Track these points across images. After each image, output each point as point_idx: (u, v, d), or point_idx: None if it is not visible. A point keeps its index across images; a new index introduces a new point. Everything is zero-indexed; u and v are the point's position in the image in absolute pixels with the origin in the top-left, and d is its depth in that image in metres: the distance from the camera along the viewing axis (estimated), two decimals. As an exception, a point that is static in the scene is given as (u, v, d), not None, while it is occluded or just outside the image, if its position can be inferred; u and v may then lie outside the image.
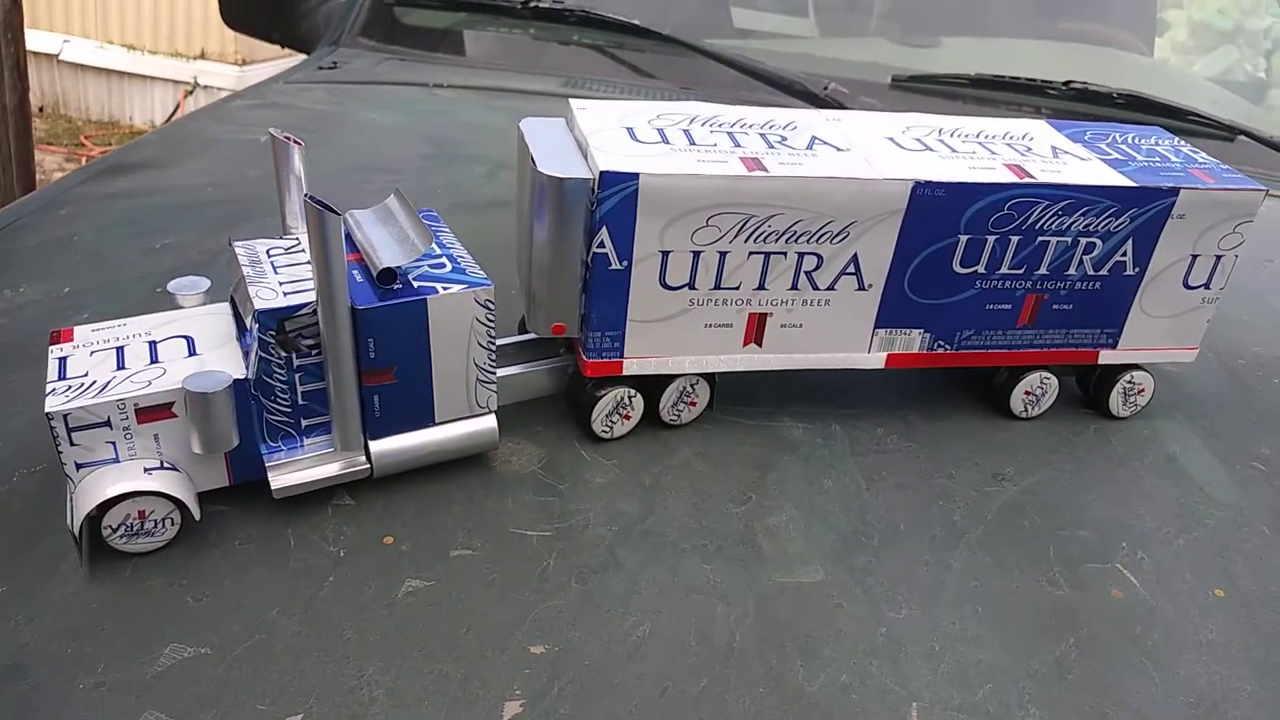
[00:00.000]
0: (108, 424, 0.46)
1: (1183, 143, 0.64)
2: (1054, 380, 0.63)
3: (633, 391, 0.57)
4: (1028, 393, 0.63)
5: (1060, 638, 0.48)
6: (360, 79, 1.31)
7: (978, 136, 0.60)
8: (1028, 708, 0.44)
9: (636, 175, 0.50)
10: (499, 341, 0.54)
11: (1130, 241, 0.58)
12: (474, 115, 1.17)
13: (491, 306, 0.50)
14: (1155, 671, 0.46)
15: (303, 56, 1.60)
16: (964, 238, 0.55)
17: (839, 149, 0.56)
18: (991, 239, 0.56)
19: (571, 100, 0.58)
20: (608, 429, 0.57)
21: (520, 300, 0.61)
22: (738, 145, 0.55)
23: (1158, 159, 0.60)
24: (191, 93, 4.66)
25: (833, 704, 0.43)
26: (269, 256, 0.51)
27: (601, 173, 0.50)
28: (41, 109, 4.91)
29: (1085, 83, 1.44)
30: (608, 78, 1.39)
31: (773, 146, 0.55)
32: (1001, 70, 1.47)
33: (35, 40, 4.06)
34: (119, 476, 0.46)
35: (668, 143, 0.54)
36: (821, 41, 1.64)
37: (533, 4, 1.40)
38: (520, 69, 1.41)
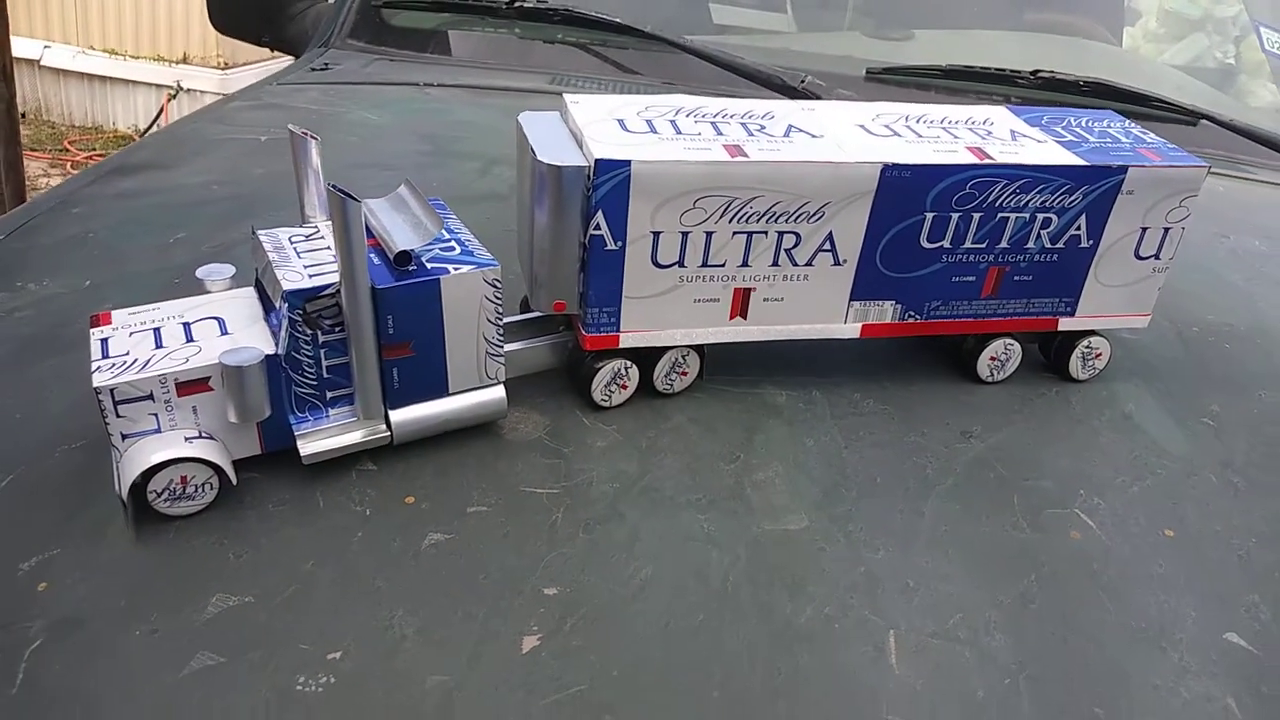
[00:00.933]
0: (150, 397, 0.50)
1: (1133, 125, 0.69)
2: (1017, 346, 0.68)
3: (629, 363, 0.61)
4: (993, 358, 0.67)
5: (1023, 574, 0.53)
6: (352, 79, 1.35)
7: (942, 122, 0.65)
8: (994, 633, 0.49)
9: (628, 162, 0.54)
10: (504, 320, 0.58)
11: (1084, 216, 0.63)
12: (465, 113, 1.21)
13: (499, 285, 0.55)
14: (1109, 601, 0.51)
15: (289, 59, 1.63)
16: (930, 215, 0.60)
17: (814, 135, 0.61)
18: (955, 216, 0.61)
19: (565, 95, 0.62)
20: (606, 398, 0.61)
21: (522, 282, 0.65)
22: (720, 134, 0.59)
23: (1109, 140, 0.65)
24: (175, 96, 4.67)
25: (817, 634, 0.48)
26: (291, 243, 0.55)
27: (596, 161, 0.54)
28: (24, 114, 4.92)
29: (1053, 72, 1.49)
30: (593, 74, 1.43)
31: (752, 134, 0.60)
32: (972, 61, 1.52)
33: (16, 46, 4.06)
34: (162, 445, 0.50)
35: (656, 132, 0.58)
36: (798, 36, 1.69)
37: (517, 3, 1.44)
38: (508, 67, 1.46)
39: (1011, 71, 1.51)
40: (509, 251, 0.71)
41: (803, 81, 1.38)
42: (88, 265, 0.78)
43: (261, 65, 4.52)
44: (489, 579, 0.49)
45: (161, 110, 4.70)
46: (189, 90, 4.69)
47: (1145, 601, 0.52)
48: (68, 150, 4.62)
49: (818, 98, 1.36)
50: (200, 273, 0.57)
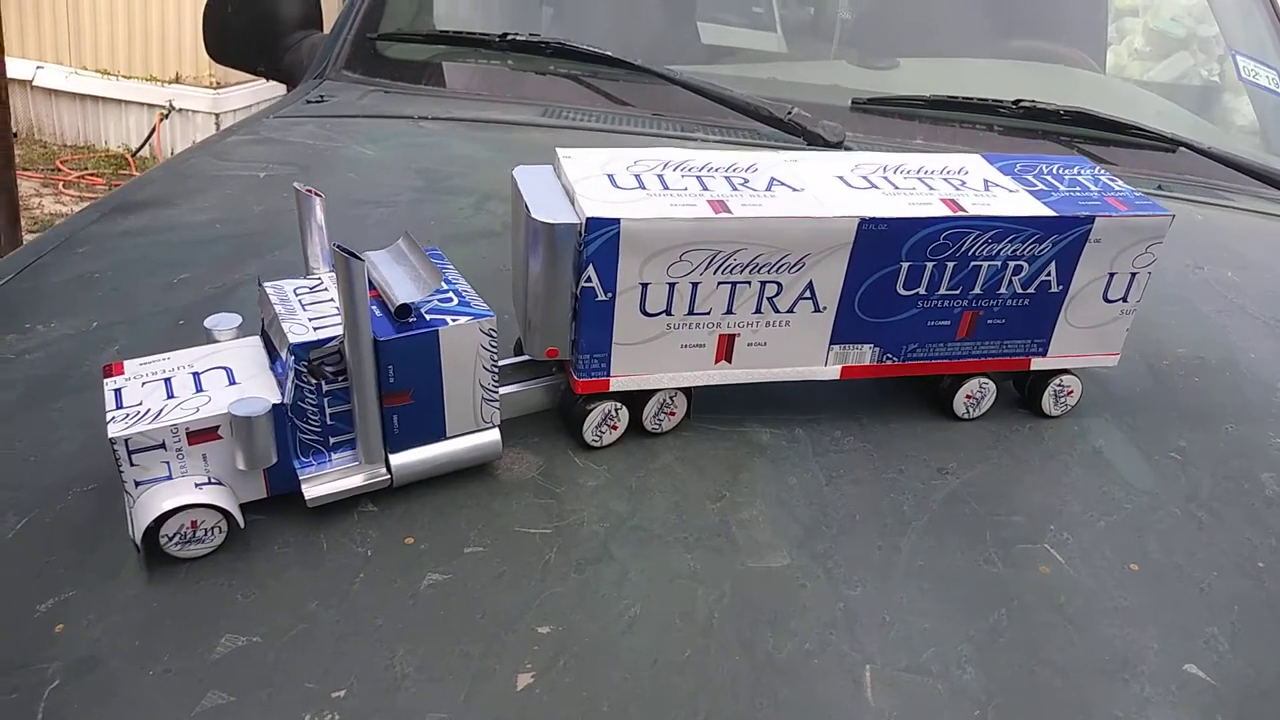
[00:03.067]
0: (163, 446, 0.53)
1: (1102, 171, 0.72)
2: (991, 385, 0.70)
3: (619, 405, 0.64)
4: (968, 396, 0.70)
5: (994, 607, 0.55)
6: (347, 113, 1.38)
7: (918, 172, 0.68)
8: (965, 666, 0.51)
9: (618, 220, 0.57)
10: (499, 364, 0.61)
11: (1054, 263, 0.66)
12: (459, 147, 1.24)
13: (494, 335, 0.58)
14: (1075, 634, 0.54)
15: (283, 87, 1.66)
16: (905, 264, 0.63)
17: (794, 189, 0.63)
18: (930, 265, 0.64)
19: (558, 149, 0.65)
20: (597, 438, 0.64)
21: (515, 325, 0.68)
22: (705, 189, 0.62)
23: (1078, 189, 0.68)
24: (167, 116, 4.70)
25: (798, 668, 0.50)
26: (296, 295, 0.58)
27: (588, 219, 0.57)
28: (16, 134, 4.94)
29: (1034, 101, 1.53)
30: (584, 106, 1.47)
31: (736, 189, 0.63)
32: (956, 90, 1.56)
33: (10, 68, 4.09)
34: (173, 492, 0.53)
35: (644, 188, 0.61)
36: (785, 66, 1.72)
37: (510, 36, 1.47)
38: (501, 99, 1.49)
39: (994, 101, 1.54)
40: (503, 291, 0.74)
41: (789, 113, 1.42)
42: (94, 307, 0.80)
43: (254, 86, 4.55)
44: (485, 618, 0.52)
45: (154, 130, 4.73)
46: (181, 110, 4.72)
47: (1109, 634, 0.54)
48: (60, 170, 4.64)
49: (804, 129, 1.40)
50: (208, 323, 0.60)
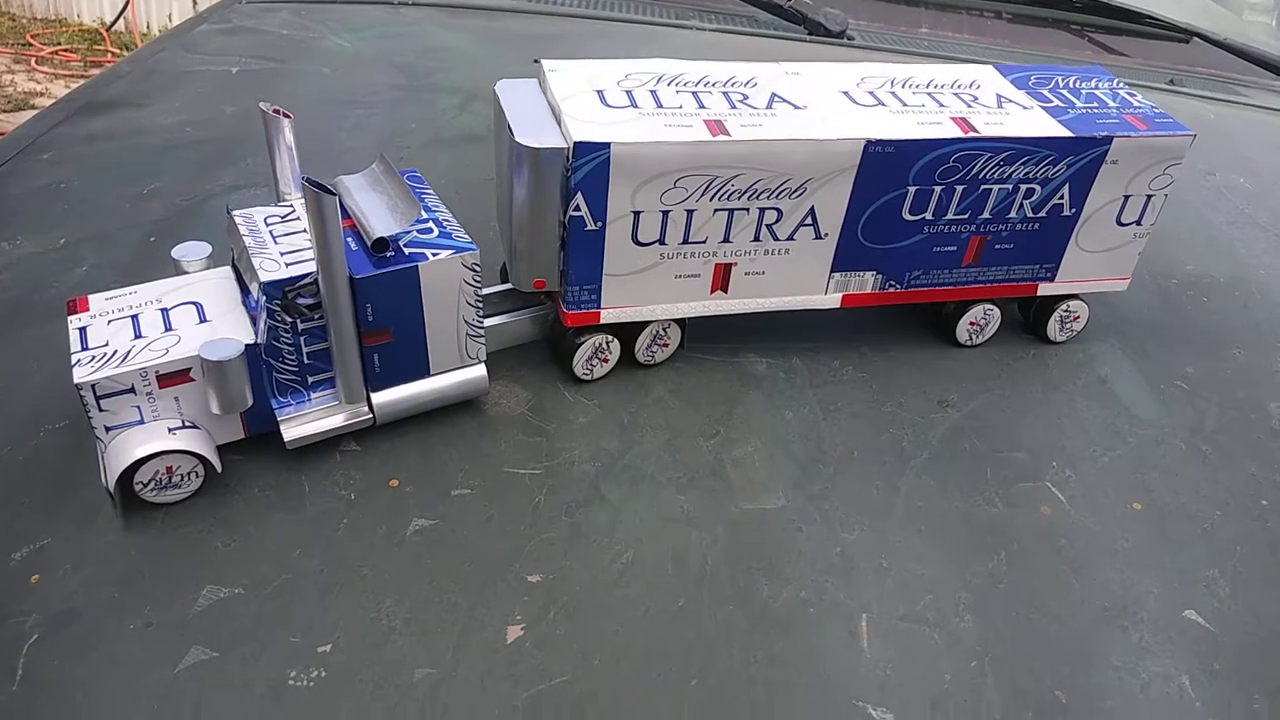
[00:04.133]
0: (132, 390, 0.50)
1: (1121, 84, 0.68)
2: (996, 311, 0.68)
3: (610, 337, 0.61)
4: (972, 323, 0.68)
5: (993, 552, 0.54)
6: (323, -2, 1.31)
7: (928, 87, 0.64)
8: (962, 614, 0.50)
9: (608, 145, 0.53)
10: (484, 291, 0.58)
11: (1067, 186, 0.62)
12: (439, 37, 1.18)
13: (478, 268, 0.55)
14: (1075, 579, 0.53)
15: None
16: (912, 189, 0.60)
17: (796, 106, 0.60)
18: (938, 189, 0.60)
19: (543, 62, 0.61)
20: (588, 372, 0.62)
21: (500, 243, 0.65)
22: (702, 106, 0.58)
23: (1095, 104, 0.64)
24: (140, -12, 4.50)
25: (793, 617, 0.49)
26: (267, 226, 0.55)
27: (575, 143, 0.53)
28: (-18, 7, 4.74)
29: (1045, -16, 1.45)
30: (572, -11, 1.39)
31: (735, 106, 0.59)
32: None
33: (-30, -64, 3.89)
34: (146, 437, 0.50)
35: (636, 106, 0.57)
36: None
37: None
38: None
39: (1004, -17, 1.47)
40: (488, 203, 0.71)
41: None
42: (61, 221, 0.77)
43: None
44: (473, 566, 0.51)
45: (128, 3, 4.53)
46: (155, -19, 4.52)
47: (1109, 579, 0.53)
48: (31, 45, 4.46)
49: (805, 17, 1.33)
50: (176, 252, 0.57)
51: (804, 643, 0.48)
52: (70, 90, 1.05)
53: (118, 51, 4.49)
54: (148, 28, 4.73)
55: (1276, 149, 1.17)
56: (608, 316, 0.60)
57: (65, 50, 4.47)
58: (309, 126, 0.93)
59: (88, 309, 0.54)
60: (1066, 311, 0.69)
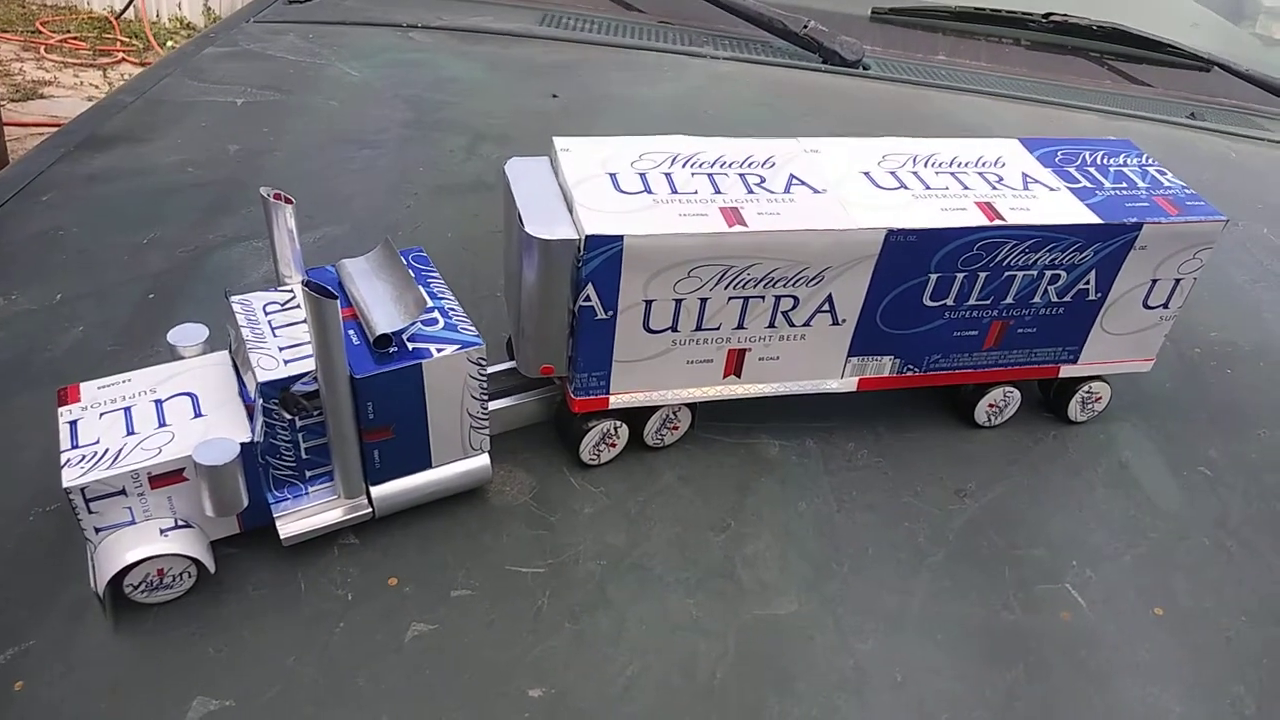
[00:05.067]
0: (123, 492, 0.48)
1: (1150, 160, 0.65)
2: (1016, 394, 0.66)
3: (618, 422, 0.60)
4: (991, 405, 0.66)
5: (1011, 664, 0.52)
6: (331, 18, 1.29)
7: (951, 165, 0.62)
8: (978, 737, 0.49)
9: (621, 238, 0.51)
10: (489, 370, 0.56)
11: (1094, 271, 0.60)
12: (450, 66, 1.15)
13: (484, 363, 0.53)
14: (1096, 695, 0.51)
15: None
16: (934, 276, 0.58)
17: (815, 190, 0.57)
18: (960, 275, 0.58)
19: (555, 140, 0.59)
20: (595, 457, 0.60)
21: (506, 315, 0.63)
22: (718, 191, 0.56)
23: (1124, 185, 0.62)
24: (149, -22, 4.47)
25: (803, 739, 0.48)
26: (266, 314, 0.53)
27: (587, 236, 0.51)
28: (-9, -7, 4.71)
29: (1065, 15, 1.43)
30: (586, 12, 1.37)
31: (751, 191, 0.56)
32: (983, 1, 1.45)
33: (-21, -76, 3.86)
34: (137, 540, 0.49)
35: (650, 192, 0.55)
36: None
37: (506, -69, 1.36)
38: (496, 1, 1.39)
39: (1023, 14, 1.44)
40: (494, 259, 0.68)
41: (805, 27, 1.32)
42: (58, 274, 0.75)
43: (239, -54, 4.31)
44: (473, 678, 0.49)
45: (136, -9, 4.50)
46: (165, -30, 4.49)
47: (1131, 694, 0.52)
48: (40, 32, 4.44)
49: (819, 44, 1.31)
50: (172, 337, 0.55)
51: (815, 769, 0.47)
52: (70, 120, 1.03)
53: (127, 40, 4.46)
54: (157, 16, 4.70)
55: (1300, 193, 1.14)
56: (617, 402, 0.59)
57: (74, 38, 4.44)
58: (316, 170, 0.91)
59: (79, 399, 0.52)
60: (1089, 392, 0.67)
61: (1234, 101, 1.45)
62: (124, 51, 4.35)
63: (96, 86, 4.05)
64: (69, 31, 4.51)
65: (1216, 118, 1.36)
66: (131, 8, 4.59)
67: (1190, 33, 1.57)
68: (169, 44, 4.47)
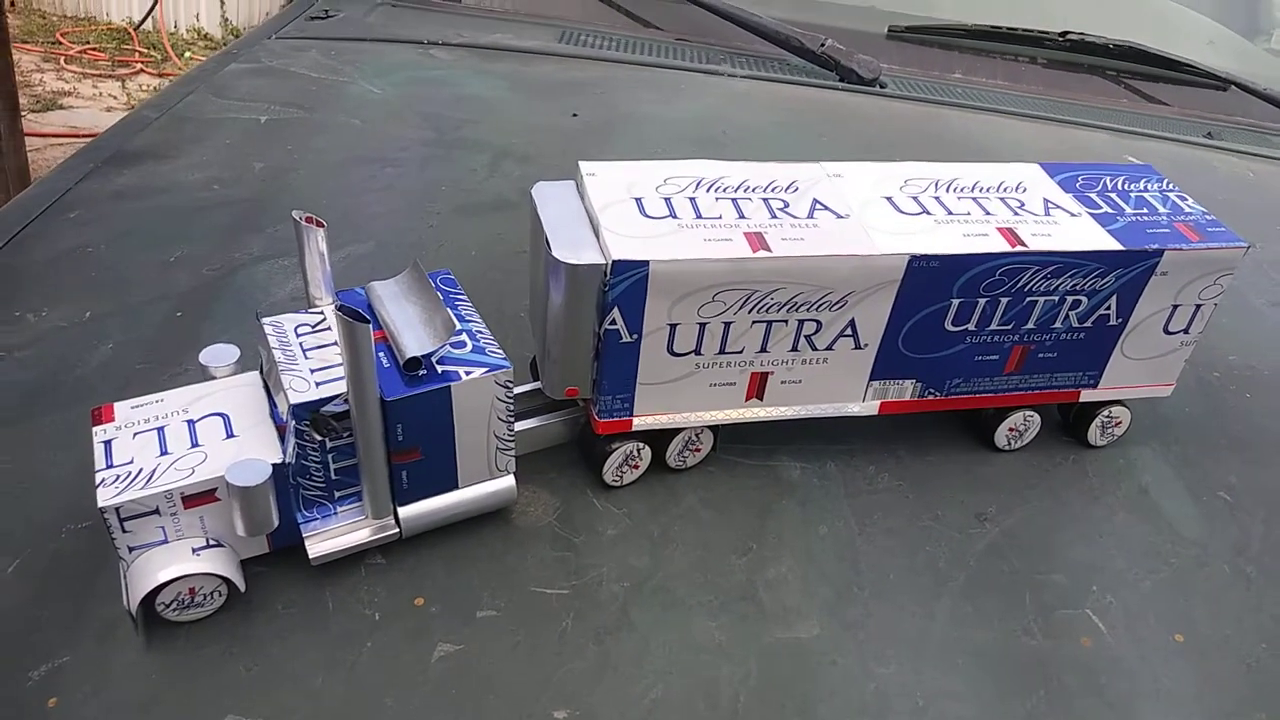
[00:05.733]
0: (157, 511, 0.49)
1: (1171, 186, 0.66)
2: (1037, 418, 0.66)
3: (641, 444, 0.60)
4: (1011, 429, 0.66)
5: (1032, 690, 0.53)
6: (353, 34, 1.30)
7: (973, 190, 0.62)
8: (1000, 763, 0.49)
9: (646, 263, 0.52)
10: (514, 390, 0.56)
11: (1115, 296, 0.61)
12: (471, 84, 1.16)
13: (510, 386, 0.53)
14: (1116, 722, 0.52)
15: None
16: (956, 301, 0.58)
17: (839, 215, 0.58)
18: (982, 300, 0.59)
19: (581, 164, 0.59)
20: (618, 479, 0.61)
21: (531, 335, 0.64)
22: (742, 216, 0.57)
23: (1145, 210, 0.62)
24: (168, -10, 4.51)
25: (826, 764, 0.48)
26: (297, 336, 0.54)
27: (614, 261, 0.52)
28: (13, 3, 4.76)
29: (1081, 34, 1.43)
30: (605, 29, 1.38)
31: (775, 216, 0.57)
32: (1000, 19, 1.46)
33: (2, -64, 3.90)
34: (170, 559, 0.50)
35: (675, 217, 0.56)
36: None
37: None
38: (514, 16, 1.40)
39: (1040, 33, 1.45)
40: (520, 278, 0.69)
41: (822, 45, 1.33)
42: (87, 291, 0.76)
43: (257, -42, 4.36)
44: (499, 699, 0.49)
45: (156, 1, 4.54)
46: (184, -18, 4.53)
47: (1152, 722, 0.52)
48: (60, 44, 4.48)
49: (837, 62, 1.32)
50: (204, 358, 0.56)
51: (838, 793, 0.47)
52: (96, 135, 1.05)
53: (145, 51, 4.50)
54: (175, 27, 4.74)
55: (1319, 215, 1.14)
56: (640, 424, 0.59)
57: (93, 49, 4.49)
58: (340, 188, 0.92)
59: (113, 419, 0.53)
60: (1108, 417, 0.67)
61: (1252, 121, 1.45)
62: (142, 63, 4.39)
63: (115, 97, 4.10)
64: (88, 42, 4.55)
65: (1234, 137, 1.36)
66: (150, 19, 4.63)
67: (1206, 50, 1.57)
68: (186, 55, 4.51)
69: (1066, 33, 1.44)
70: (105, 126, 1.08)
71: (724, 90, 1.24)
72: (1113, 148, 1.22)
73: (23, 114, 2.80)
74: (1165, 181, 0.67)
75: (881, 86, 1.32)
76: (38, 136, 3.41)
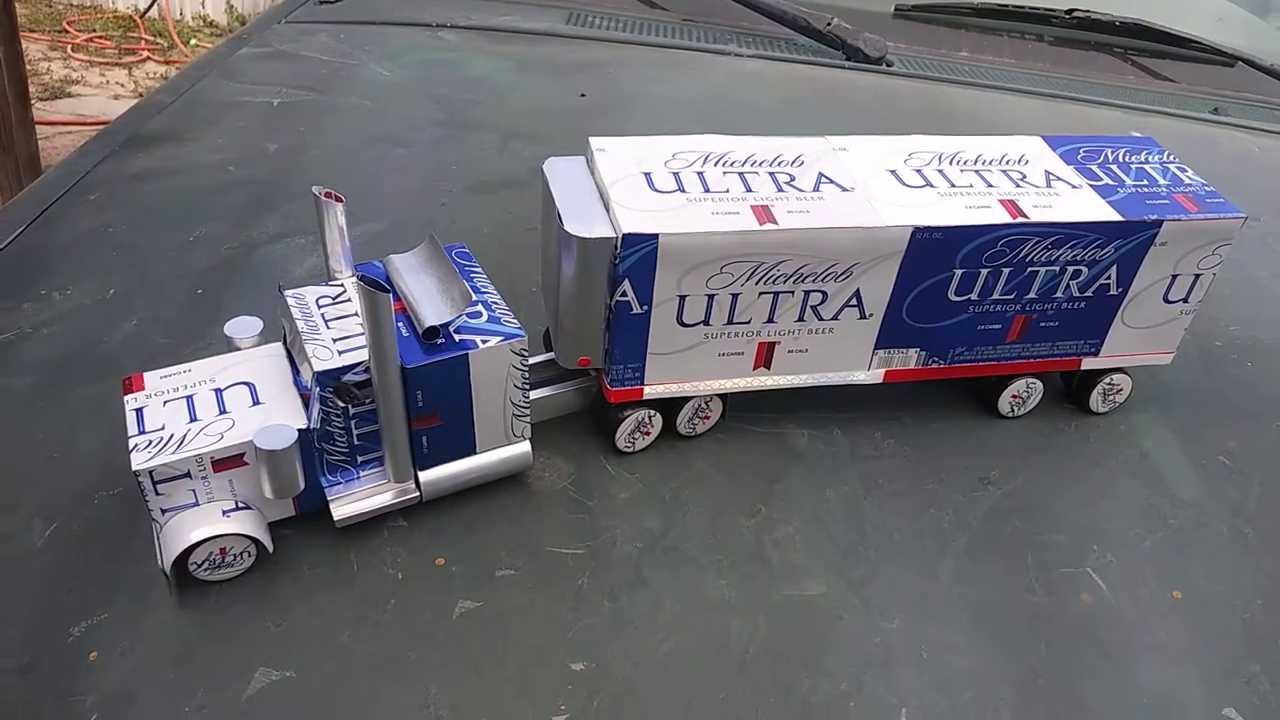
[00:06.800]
0: (188, 475, 0.51)
1: (1172, 157, 0.67)
2: (1039, 385, 0.68)
3: (652, 412, 0.62)
4: (1014, 396, 0.68)
5: (1033, 644, 0.54)
6: (362, 18, 1.31)
7: (975, 163, 0.63)
8: (1001, 712, 0.51)
9: (656, 236, 0.54)
10: (529, 362, 0.58)
11: (1115, 266, 0.62)
12: (479, 66, 1.18)
13: (525, 354, 0.55)
14: (1115, 674, 0.53)
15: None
16: (959, 271, 0.60)
17: (844, 188, 0.60)
18: (984, 271, 0.60)
19: (592, 140, 0.61)
20: (630, 445, 0.62)
21: (544, 309, 0.65)
22: (749, 190, 0.58)
23: (1145, 182, 0.64)
24: (174, -22, 4.51)
25: (832, 713, 0.50)
26: (319, 307, 0.55)
27: (624, 235, 0.54)
28: (19, -7, 4.77)
29: (1089, 11, 1.44)
30: (612, 10, 1.39)
31: (781, 189, 0.59)
32: (1006, -2, 1.46)
33: (9, -76, 3.91)
34: (201, 520, 0.52)
35: (683, 191, 0.57)
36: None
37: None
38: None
39: (1046, 10, 1.46)
40: (531, 254, 0.71)
41: (829, 24, 1.34)
42: (109, 270, 0.78)
43: (263, -56, 4.36)
44: (518, 653, 0.51)
45: (161, -10, 4.55)
46: (189, -31, 4.54)
47: (1149, 674, 0.53)
48: (67, 31, 4.50)
49: (843, 41, 1.33)
50: (228, 329, 0.58)
51: (844, 741, 0.49)
52: (113, 121, 1.06)
53: (151, 39, 4.52)
54: (181, 14, 4.75)
55: (1321, 189, 1.15)
56: (651, 393, 0.61)
57: (100, 37, 4.50)
58: (353, 168, 0.94)
59: (143, 388, 0.55)
60: (1110, 384, 0.69)
61: (1258, 96, 1.45)
62: (149, 50, 4.40)
63: (122, 85, 4.11)
64: (95, 30, 4.57)
65: (1240, 113, 1.36)
66: (155, 6, 4.64)
67: (1215, 27, 1.58)
68: (193, 42, 4.52)
69: (1073, 10, 1.45)
70: (113, 114, 1.10)
71: (730, 70, 1.25)
72: (1119, 124, 1.23)
73: (31, 102, 2.82)
74: (1166, 153, 0.68)
75: (888, 65, 1.33)
76: (47, 125, 3.43)
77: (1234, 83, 1.47)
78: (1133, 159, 0.66)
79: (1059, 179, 0.63)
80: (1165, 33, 1.44)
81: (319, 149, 0.97)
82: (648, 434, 0.63)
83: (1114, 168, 0.65)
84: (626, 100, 1.12)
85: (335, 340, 0.53)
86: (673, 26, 1.37)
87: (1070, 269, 0.61)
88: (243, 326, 0.58)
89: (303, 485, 0.53)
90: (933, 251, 0.58)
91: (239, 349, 0.57)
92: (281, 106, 1.05)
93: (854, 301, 0.60)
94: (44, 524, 0.56)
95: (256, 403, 0.54)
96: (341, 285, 0.57)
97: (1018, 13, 1.46)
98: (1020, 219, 0.59)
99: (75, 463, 0.60)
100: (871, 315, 0.61)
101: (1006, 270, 0.60)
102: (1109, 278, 0.62)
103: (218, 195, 0.88)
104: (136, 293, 0.75)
